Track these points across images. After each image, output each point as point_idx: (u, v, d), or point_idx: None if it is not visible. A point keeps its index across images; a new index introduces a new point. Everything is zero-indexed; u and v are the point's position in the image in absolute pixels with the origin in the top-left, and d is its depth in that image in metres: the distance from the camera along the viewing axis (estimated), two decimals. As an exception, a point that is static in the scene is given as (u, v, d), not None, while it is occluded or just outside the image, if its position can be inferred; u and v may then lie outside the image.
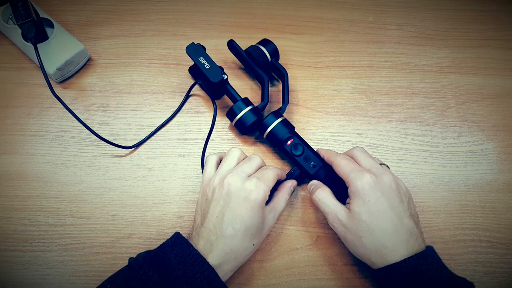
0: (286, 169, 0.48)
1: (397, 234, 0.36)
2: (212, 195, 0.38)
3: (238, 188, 0.37)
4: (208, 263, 0.35)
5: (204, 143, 0.46)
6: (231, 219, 0.36)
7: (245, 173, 0.38)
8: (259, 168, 0.40)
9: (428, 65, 0.56)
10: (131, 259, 0.36)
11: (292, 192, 0.43)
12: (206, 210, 0.38)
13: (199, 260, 0.35)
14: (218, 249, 0.35)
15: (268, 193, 0.38)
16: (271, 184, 0.38)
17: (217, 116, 0.51)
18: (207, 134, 0.46)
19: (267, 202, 0.39)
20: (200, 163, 0.47)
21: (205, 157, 0.45)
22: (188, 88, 0.52)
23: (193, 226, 0.40)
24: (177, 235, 0.38)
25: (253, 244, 0.38)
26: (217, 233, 0.36)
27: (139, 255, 0.37)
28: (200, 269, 0.34)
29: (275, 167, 0.41)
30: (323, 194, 0.40)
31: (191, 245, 0.36)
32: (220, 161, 0.42)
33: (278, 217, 0.41)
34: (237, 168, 0.39)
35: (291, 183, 0.43)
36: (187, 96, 0.51)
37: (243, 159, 0.41)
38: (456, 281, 0.35)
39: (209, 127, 0.49)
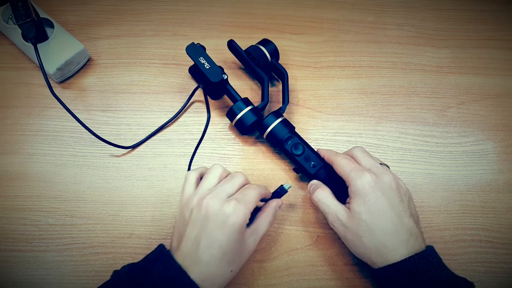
0: (286, 169, 0.48)
1: (397, 233, 0.36)
2: (189, 216, 0.36)
3: (216, 210, 0.34)
4: (189, 277, 0.33)
5: (194, 149, 0.45)
6: (208, 244, 0.34)
7: (225, 193, 0.36)
8: (242, 187, 0.38)
9: (428, 65, 0.56)
10: (115, 272, 0.36)
11: (277, 212, 0.40)
12: (183, 232, 0.36)
13: (180, 274, 0.33)
14: (194, 275, 0.33)
15: (249, 215, 0.35)
16: (252, 205, 0.36)
17: (217, 116, 0.51)
18: (204, 136, 0.46)
19: (249, 223, 0.37)
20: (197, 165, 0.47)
21: (186, 174, 0.40)
22: (188, 88, 0.52)
23: (170, 248, 0.37)
24: (160, 248, 0.36)
25: (231, 270, 0.35)
26: (192, 258, 0.34)
27: (124, 268, 0.36)
28: (182, 284, 0.33)
29: (258, 186, 0.38)
30: (323, 194, 0.40)
31: (173, 259, 0.34)
32: (201, 178, 0.39)
33: (259, 241, 0.38)
34: (218, 188, 0.36)
35: (275, 203, 0.40)
36: (188, 101, 0.51)
37: (225, 176, 0.38)
38: (456, 281, 0.35)
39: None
